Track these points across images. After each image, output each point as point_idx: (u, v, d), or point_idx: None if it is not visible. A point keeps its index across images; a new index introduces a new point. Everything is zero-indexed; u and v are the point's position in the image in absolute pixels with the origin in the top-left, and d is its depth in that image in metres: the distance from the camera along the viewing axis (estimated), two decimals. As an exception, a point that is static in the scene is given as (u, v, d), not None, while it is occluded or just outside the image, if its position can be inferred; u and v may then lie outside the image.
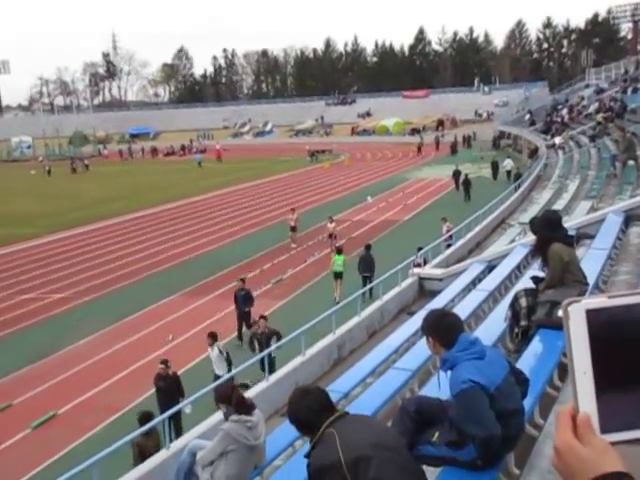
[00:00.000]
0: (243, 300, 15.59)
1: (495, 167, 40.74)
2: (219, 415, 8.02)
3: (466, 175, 36.00)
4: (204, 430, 7.56)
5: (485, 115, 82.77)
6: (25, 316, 19.28)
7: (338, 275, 19.05)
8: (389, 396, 7.29)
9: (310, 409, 3.26)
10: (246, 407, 5.74)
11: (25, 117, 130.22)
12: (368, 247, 19.82)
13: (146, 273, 23.54)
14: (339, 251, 19.73)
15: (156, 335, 16.95)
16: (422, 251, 17.02)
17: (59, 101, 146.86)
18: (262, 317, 13.24)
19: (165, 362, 11.20)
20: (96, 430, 12.01)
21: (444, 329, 4.09)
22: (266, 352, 10.52)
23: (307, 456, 3.25)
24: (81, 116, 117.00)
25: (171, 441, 7.90)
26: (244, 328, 15.68)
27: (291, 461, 6.28)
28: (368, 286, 15.78)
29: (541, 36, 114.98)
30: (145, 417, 8.60)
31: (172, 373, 11.26)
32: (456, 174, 37.60)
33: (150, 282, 22.37)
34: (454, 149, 60.83)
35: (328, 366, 10.56)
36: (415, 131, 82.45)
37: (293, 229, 26.54)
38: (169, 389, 10.86)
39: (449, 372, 4.06)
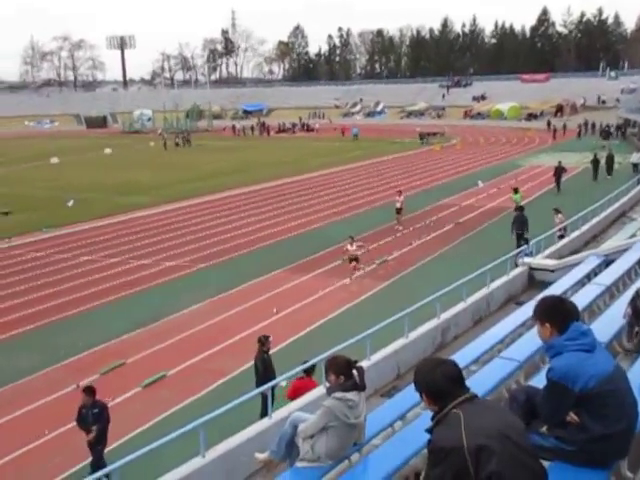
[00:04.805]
0: (95, 419, 9.53)
1: (596, 164, 36.83)
2: (319, 390, 8.15)
3: (610, 149, 38.32)
4: (305, 403, 7.70)
5: (604, 101, 78.44)
6: (140, 281, 20.29)
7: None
8: (493, 386, 7.13)
9: (444, 379, 3.17)
10: (356, 386, 5.77)
11: (147, 91, 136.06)
12: (521, 208, 22.26)
13: (254, 247, 24.14)
14: (516, 190, 26.81)
15: (260, 307, 17.39)
16: (533, 241, 16.47)
17: (179, 76, 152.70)
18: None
19: (267, 338, 11.35)
20: (202, 393, 12.51)
21: (562, 314, 4.02)
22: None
23: (429, 431, 3.20)
24: (198, 91, 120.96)
25: (265, 414, 8.07)
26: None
27: (390, 441, 6.28)
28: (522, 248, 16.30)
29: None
30: None
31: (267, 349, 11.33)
32: (558, 170, 33.91)
33: (257, 256, 22.93)
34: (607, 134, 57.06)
35: (431, 350, 10.45)
36: (532, 116, 79.49)
37: (399, 211, 26.40)
38: (268, 365, 10.94)
39: (552, 359, 4.05)
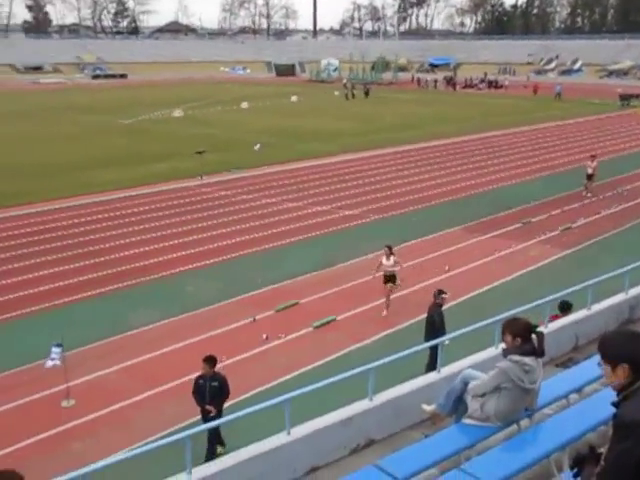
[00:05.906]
0: (214, 394, 8.80)
1: None
2: (490, 351, 7.95)
3: None
4: (476, 362, 7.55)
5: None
6: (317, 226, 20.90)
7: None
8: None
9: None
10: (534, 350, 5.55)
11: (335, 40, 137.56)
12: None
13: (430, 203, 23.86)
14: None
15: (432, 264, 17.25)
16: None
17: (368, 26, 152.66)
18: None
19: (444, 292, 11.35)
20: (368, 341, 12.76)
21: None
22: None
23: (615, 405, 3.03)
24: (386, 42, 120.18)
25: (433, 368, 8.02)
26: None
27: (565, 413, 6.02)
28: None
29: None
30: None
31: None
32: None
33: (432, 212, 22.65)
34: None
35: (614, 325, 9.75)
36: None
37: (590, 177, 24.67)
38: (441, 321, 11.02)
39: None
